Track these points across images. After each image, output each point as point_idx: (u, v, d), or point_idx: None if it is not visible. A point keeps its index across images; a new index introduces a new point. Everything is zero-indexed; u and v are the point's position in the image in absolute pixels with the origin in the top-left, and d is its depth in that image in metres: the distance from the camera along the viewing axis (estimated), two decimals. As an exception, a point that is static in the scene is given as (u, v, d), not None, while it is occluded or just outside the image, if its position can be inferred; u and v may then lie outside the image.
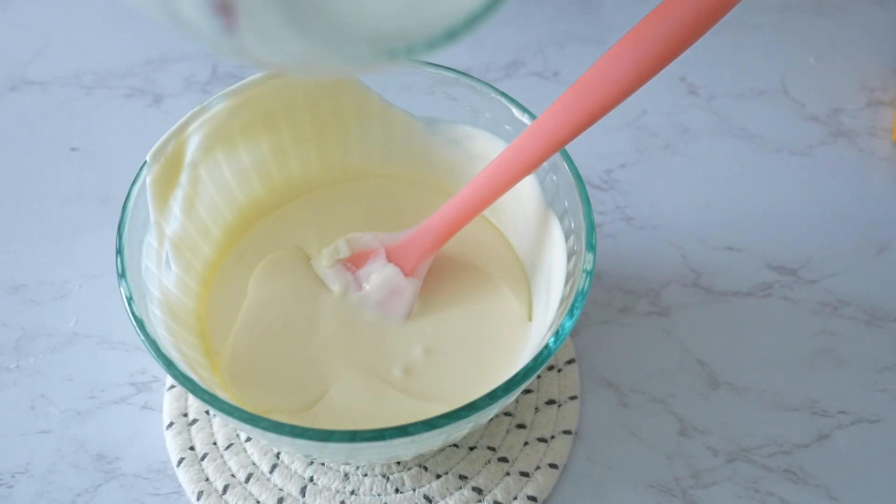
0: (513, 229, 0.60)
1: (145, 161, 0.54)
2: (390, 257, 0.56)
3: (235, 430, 0.59)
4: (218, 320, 0.56)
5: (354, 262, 0.57)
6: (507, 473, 0.58)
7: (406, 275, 0.55)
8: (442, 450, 0.58)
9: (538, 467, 0.58)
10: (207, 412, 0.59)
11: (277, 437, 0.46)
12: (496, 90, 0.56)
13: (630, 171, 0.72)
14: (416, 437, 0.45)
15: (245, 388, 0.54)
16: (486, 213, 0.61)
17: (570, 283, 0.52)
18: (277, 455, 0.58)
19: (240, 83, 0.57)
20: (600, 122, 0.73)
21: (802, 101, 0.76)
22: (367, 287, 0.56)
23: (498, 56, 0.78)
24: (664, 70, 0.79)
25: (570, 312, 0.49)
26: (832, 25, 0.81)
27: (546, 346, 0.48)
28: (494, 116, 0.57)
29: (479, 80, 0.57)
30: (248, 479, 0.57)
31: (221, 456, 0.58)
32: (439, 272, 0.58)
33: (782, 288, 0.66)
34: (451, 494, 0.57)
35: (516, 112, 0.56)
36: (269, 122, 0.59)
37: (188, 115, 0.56)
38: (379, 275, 0.55)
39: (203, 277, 0.58)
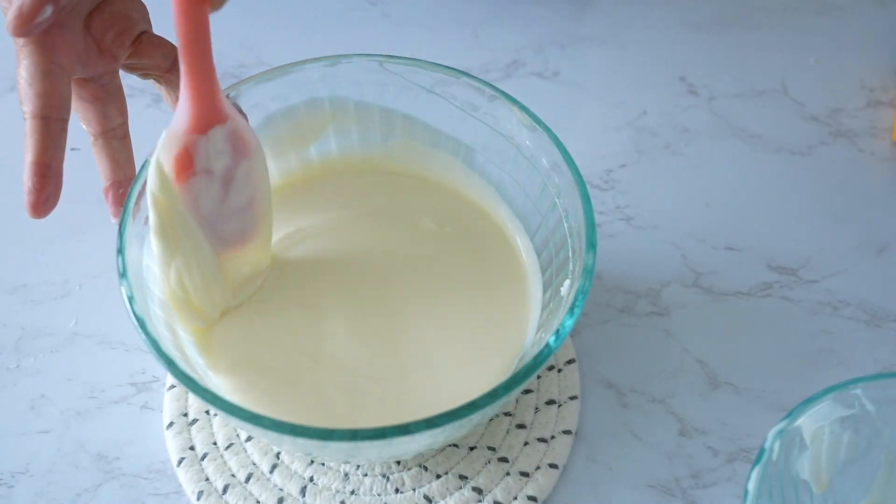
0: (519, 229, 0.60)
1: (146, 160, 0.54)
2: (194, 130, 0.49)
3: (235, 430, 0.59)
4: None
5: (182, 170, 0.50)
6: (507, 473, 0.58)
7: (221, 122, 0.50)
8: (442, 450, 0.58)
9: (538, 467, 0.58)
10: (208, 412, 0.59)
11: (278, 435, 0.46)
12: (496, 90, 0.57)
13: (630, 171, 0.72)
14: (417, 436, 0.45)
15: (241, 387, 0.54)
16: (494, 213, 0.61)
17: (570, 283, 0.52)
18: (277, 455, 0.58)
19: (240, 83, 0.57)
20: (600, 122, 0.74)
21: (802, 101, 0.76)
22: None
23: (498, 56, 0.78)
24: (664, 70, 0.79)
25: (571, 311, 0.49)
26: (832, 25, 0.81)
27: (546, 346, 0.48)
28: (495, 116, 0.57)
29: (479, 80, 0.57)
30: (248, 479, 0.57)
31: (221, 456, 0.58)
32: (444, 272, 0.58)
33: (782, 288, 0.66)
34: (451, 494, 0.57)
35: (517, 112, 0.56)
36: (269, 122, 0.59)
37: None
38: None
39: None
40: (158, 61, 0.55)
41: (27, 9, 0.48)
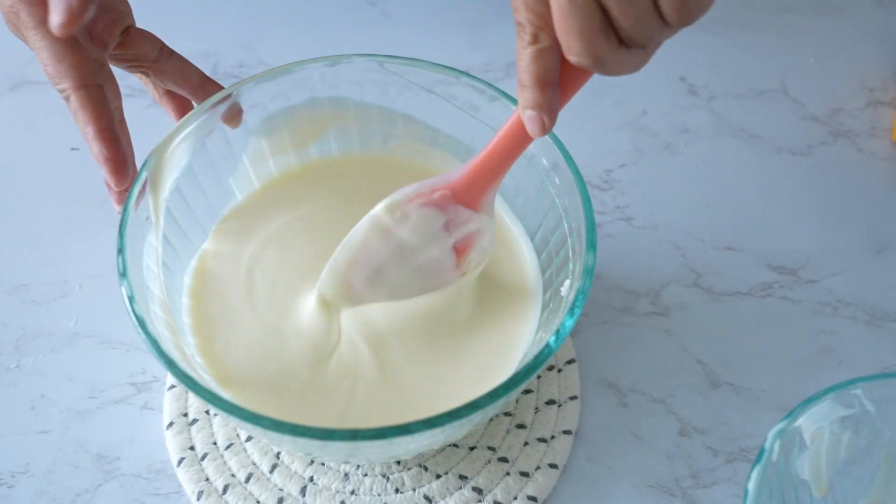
0: (519, 229, 0.60)
1: (146, 160, 0.54)
2: (456, 197, 0.53)
3: (235, 430, 0.59)
4: (210, 318, 0.57)
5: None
6: (507, 473, 0.58)
7: (474, 209, 0.53)
8: (442, 450, 0.58)
9: (538, 467, 0.58)
10: (208, 412, 0.59)
11: (279, 435, 0.45)
12: (497, 90, 0.57)
13: (630, 171, 0.72)
14: (417, 436, 0.45)
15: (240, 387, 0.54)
16: (499, 212, 0.61)
17: (570, 283, 0.52)
18: (277, 455, 0.58)
19: (240, 83, 0.57)
20: (600, 121, 0.74)
21: (802, 101, 0.76)
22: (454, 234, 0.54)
23: (498, 56, 0.78)
24: (664, 70, 0.79)
25: (571, 311, 0.49)
26: (832, 25, 0.81)
27: (546, 346, 0.48)
28: (495, 116, 0.57)
29: (479, 80, 0.57)
30: (248, 479, 0.57)
31: (221, 456, 0.58)
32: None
33: (782, 288, 0.66)
34: (451, 494, 0.57)
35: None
36: (269, 122, 0.59)
37: (188, 114, 0.56)
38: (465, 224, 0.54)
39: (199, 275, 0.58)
40: (147, 51, 0.56)
41: (77, 7, 0.49)
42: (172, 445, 0.58)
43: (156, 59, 0.56)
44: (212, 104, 0.56)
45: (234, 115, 0.57)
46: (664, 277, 0.66)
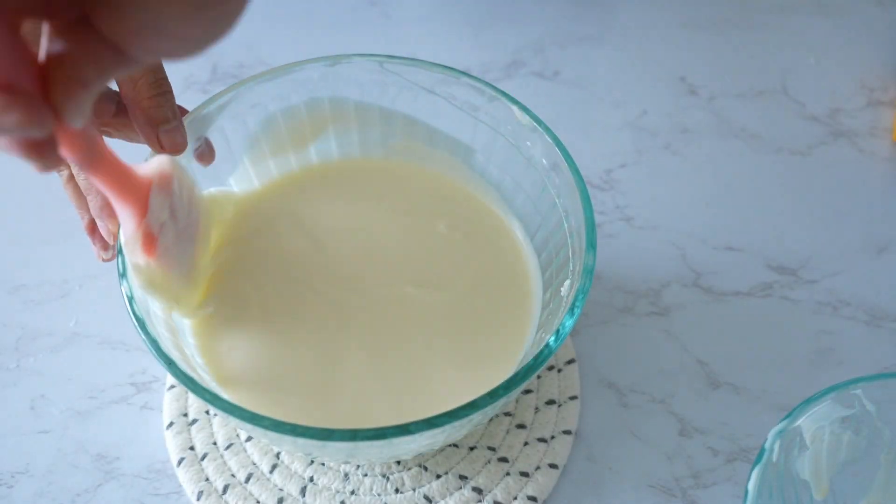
0: (519, 229, 0.60)
1: (146, 160, 0.54)
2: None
3: (235, 430, 0.59)
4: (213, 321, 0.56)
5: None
6: (507, 473, 0.58)
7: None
8: (442, 450, 0.58)
9: (538, 467, 0.58)
10: (208, 412, 0.59)
11: (278, 435, 0.45)
12: (497, 90, 0.57)
13: (630, 171, 0.72)
14: (417, 436, 0.45)
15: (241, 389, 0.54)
16: (494, 213, 0.61)
17: (570, 283, 0.52)
18: (277, 455, 0.58)
19: (240, 83, 0.57)
20: (600, 122, 0.74)
21: (802, 101, 0.76)
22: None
23: (498, 56, 0.78)
24: (664, 70, 0.79)
25: (571, 311, 0.49)
26: (832, 25, 0.81)
27: (546, 346, 0.48)
28: (495, 116, 0.57)
29: (479, 80, 0.57)
30: (248, 479, 0.57)
31: (221, 456, 0.58)
32: (444, 272, 0.58)
33: (782, 288, 0.66)
34: (451, 494, 0.57)
35: (517, 112, 0.56)
36: (269, 122, 0.59)
37: (186, 115, 0.56)
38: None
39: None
40: (105, 107, 0.55)
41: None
42: (172, 445, 0.58)
43: (115, 113, 0.56)
44: (210, 104, 0.56)
45: (204, 154, 0.57)
46: (664, 277, 0.66)
